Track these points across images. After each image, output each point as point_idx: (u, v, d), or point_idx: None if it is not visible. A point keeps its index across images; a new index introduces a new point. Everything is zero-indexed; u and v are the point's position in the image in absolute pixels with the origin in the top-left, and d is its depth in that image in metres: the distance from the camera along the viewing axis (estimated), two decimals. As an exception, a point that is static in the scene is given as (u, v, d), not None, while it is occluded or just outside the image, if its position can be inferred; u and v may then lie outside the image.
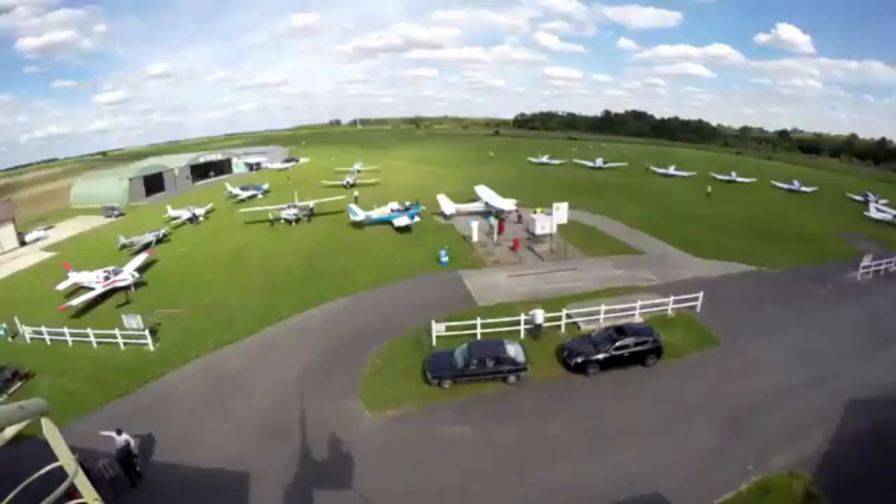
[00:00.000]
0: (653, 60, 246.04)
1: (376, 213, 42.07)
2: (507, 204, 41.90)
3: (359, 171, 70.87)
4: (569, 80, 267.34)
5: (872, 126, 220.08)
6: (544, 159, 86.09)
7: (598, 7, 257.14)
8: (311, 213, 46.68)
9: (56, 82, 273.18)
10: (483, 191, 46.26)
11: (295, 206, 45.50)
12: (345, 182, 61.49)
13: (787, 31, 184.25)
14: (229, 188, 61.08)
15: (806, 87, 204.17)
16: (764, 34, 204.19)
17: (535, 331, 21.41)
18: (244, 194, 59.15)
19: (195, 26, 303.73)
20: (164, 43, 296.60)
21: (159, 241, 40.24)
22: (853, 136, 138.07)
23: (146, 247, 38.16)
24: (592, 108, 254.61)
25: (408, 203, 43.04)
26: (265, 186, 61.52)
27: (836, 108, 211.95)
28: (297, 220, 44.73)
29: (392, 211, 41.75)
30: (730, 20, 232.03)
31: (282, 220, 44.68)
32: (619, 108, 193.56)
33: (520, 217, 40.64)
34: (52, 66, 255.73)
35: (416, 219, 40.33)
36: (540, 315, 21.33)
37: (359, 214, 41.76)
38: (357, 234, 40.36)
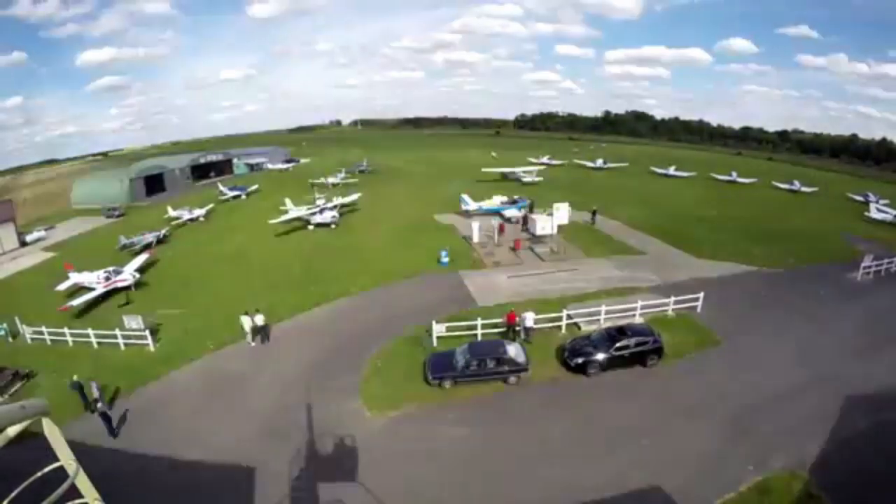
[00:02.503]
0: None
1: (487, 205, 44.40)
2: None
3: (333, 185, 63.65)
4: (546, 82, 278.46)
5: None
6: (545, 160, 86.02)
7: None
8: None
9: (60, 83, 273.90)
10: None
11: (327, 207, 44.11)
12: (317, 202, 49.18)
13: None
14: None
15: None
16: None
17: (525, 333, 21.20)
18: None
19: (206, 36, 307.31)
20: (172, 48, 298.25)
21: (160, 241, 40.31)
22: (854, 137, 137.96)
23: (146, 247, 38.22)
24: (593, 109, 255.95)
25: (515, 197, 45.49)
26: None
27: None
28: (337, 224, 42.54)
29: (501, 203, 44.16)
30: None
31: (311, 227, 42.30)
32: (619, 109, 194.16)
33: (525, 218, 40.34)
34: (57, 67, 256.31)
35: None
36: (530, 318, 21.16)
37: (470, 205, 44.01)
38: (357, 234, 40.34)
